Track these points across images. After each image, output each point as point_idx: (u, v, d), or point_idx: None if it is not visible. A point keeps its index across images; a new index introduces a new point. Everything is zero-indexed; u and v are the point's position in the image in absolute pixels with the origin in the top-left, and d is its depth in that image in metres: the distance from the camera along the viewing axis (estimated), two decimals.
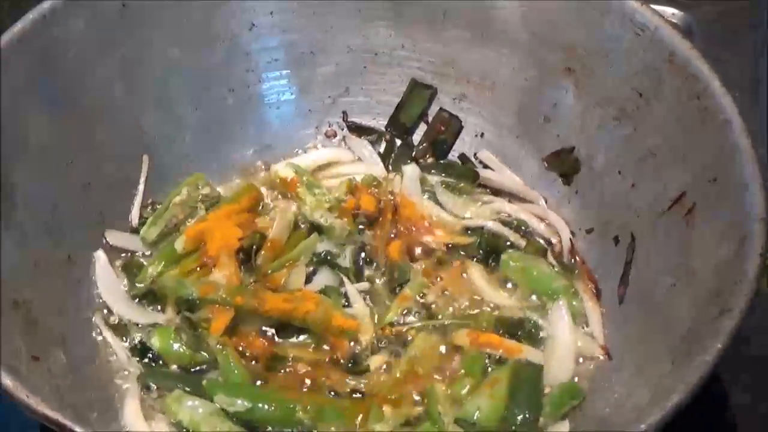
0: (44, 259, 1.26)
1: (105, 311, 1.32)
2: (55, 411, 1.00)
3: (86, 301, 1.31)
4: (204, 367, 1.26)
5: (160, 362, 1.28)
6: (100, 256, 1.34)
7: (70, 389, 1.17)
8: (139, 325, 1.30)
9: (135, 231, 1.40)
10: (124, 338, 1.29)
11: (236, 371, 1.23)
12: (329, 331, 1.28)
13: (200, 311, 1.28)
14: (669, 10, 1.43)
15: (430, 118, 1.52)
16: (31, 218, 1.25)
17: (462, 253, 1.39)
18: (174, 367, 1.27)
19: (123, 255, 1.38)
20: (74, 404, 1.13)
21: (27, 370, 1.09)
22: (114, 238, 1.37)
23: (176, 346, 1.26)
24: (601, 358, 1.28)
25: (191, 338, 1.26)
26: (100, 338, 1.29)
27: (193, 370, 1.27)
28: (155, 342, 1.27)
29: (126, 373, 1.26)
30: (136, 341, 1.29)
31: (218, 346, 1.24)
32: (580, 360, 1.28)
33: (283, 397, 1.20)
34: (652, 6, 1.29)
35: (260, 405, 1.18)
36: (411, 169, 1.47)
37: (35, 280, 1.22)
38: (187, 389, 1.22)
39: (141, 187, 1.42)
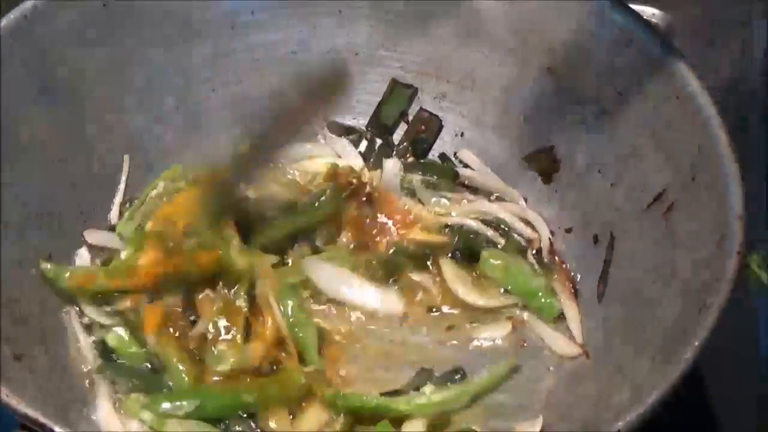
0: (28, 258, 1.25)
1: (77, 309, 1.30)
2: (35, 410, 1.00)
3: (67, 300, 1.30)
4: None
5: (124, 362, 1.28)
6: (83, 254, 1.34)
7: (51, 388, 1.16)
8: (102, 325, 1.29)
9: (114, 229, 1.39)
10: (94, 337, 1.29)
11: (180, 370, 1.23)
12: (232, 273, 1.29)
13: (117, 302, 1.27)
14: (649, 10, 1.44)
15: (410, 118, 1.52)
16: (18, 217, 1.25)
17: (440, 250, 1.39)
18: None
19: (102, 254, 1.37)
20: (55, 403, 1.13)
21: (9, 370, 1.09)
22: (93, 237, 1.36)
23: (132, 347, 1.27)
24: (580, 357, 1.28)
25: (136, 339, 1.26)
26: (74, 337, 1.28)
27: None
28: (111, 341, 1.27)
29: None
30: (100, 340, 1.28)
31: (157, 346, 1.24)
32: (560, 358, 1.29)
33: (225, 387, 1.22)
34: (632, 6, 1.29)
35: (206, 401, 1.19)
36: (391, 163, 1.48)
37: (19, 278, 1.22)
38: (141, 385, 1.23)
39: (122, 186, 1.41)
